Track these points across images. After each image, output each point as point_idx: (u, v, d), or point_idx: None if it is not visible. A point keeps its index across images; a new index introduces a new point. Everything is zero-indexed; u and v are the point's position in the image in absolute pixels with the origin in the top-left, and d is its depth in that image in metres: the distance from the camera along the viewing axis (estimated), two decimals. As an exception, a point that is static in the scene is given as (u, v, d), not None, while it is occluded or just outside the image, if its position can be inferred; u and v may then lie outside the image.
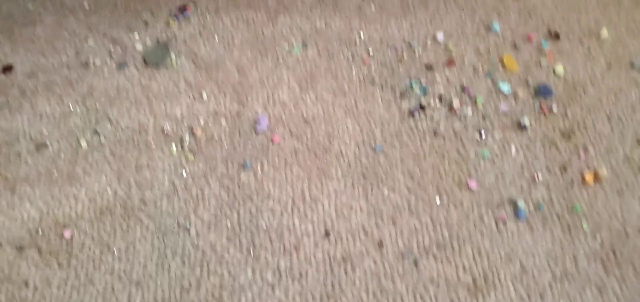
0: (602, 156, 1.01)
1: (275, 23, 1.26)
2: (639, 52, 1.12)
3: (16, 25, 1.30)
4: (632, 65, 1.11)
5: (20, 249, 0.98)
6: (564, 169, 1.00)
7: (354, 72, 1.15)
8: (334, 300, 0.90)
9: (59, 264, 0.96)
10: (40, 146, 1.11)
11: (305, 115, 1.10)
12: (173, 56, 1.21)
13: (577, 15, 1.21)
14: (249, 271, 0.93)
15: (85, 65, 1.22)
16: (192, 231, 0.98)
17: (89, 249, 0.97)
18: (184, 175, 1.04)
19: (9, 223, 1.01)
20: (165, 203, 1.01)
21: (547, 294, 0.89)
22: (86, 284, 0.94)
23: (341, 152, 1.05)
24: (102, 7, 1.33)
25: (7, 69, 1.23)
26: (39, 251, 0.97)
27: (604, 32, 1.16)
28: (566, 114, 1.06)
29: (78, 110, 1.15)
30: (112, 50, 1.24)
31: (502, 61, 1.13)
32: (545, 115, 1.06)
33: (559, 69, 1.11)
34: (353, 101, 1.11)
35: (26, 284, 0.94)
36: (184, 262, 0.95)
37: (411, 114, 1.08)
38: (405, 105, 1.09)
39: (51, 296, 0.93)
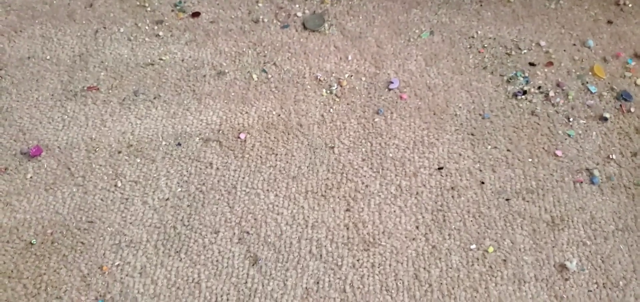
0: (668, 151, 1.26)
1: (409, 13, 1.57)
2: None
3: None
4: (702, 88, 1.35)
5: (206, 140, 1.30)
6: (634, 154, 1.25)
7: (470, 59, 1.44)
8: (442, 214, 1.18)
9: (235, 156, 1.27)
10: (220, 73, 1.44)
11: (428, 83, 1.39)
12: (326, 25, 1.53)
13: (660, 44, 1.46)
14: (378, 183, 1.23)
15: (256, 21, 1.56)
16: (336, 150, 1.28)
17: (258, 149, 1.29)
18: (331, 111, 1.35)
19: (197, 122, 1.34)
20: (316, 128, 1.32)
21: (609, 238, 1.14)
22: (255, 172, 1.25)
23: (456, 114, 1.34)
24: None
25: (196, 14, 1.58)
26: (220, 144, 1.29)
27: (682, 60, 1.41)
28: (641, 116, 1.32)
29: (250, 53, 1.48)
30: (278, 13, 1.58)
31: (592, 69, 1.40)
32: (623, 114, 1.32)
33: (640, 81, 1.37)
34: (468, 79, 1.40)
35: (211, 164, 1.26)
36: (329, 170, 1.25)
37: (515, 95, 1.35)
38: (511, 89, 1.37)
39: (229, 176, 1.24)
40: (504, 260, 1.12)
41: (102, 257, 1.14)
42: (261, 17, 1.57)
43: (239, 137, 1.30)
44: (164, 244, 1.15)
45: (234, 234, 1.16)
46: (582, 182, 1.22)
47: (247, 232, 1.16)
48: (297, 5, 1.59)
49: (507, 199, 1.19)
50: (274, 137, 1.30)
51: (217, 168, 1.25)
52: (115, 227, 1.18)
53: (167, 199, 1.21)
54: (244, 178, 1.24)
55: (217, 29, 1.54)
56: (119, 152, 1.29)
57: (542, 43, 1.47)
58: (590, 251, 1.13)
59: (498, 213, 1.18)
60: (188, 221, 1.18)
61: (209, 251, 1.14)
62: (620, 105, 1.33)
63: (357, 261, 1.12)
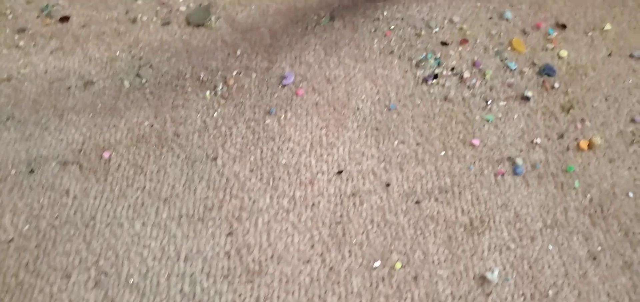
0: (598, 128, 1.10)
1: (307, -2, 1.38)
2: (639, 45, 1.21)
3: (74, -18, 1.44)
4: (631, 55, 1.20)
5: (63, 164, 1.09)
6: (561, 136, 1.09)
7: (375, 43, 1.26)
8: (342, 227, 0.99)
9: (97, 179, 1.07)
10: (87, 84, 1.23)
11: (327, 75, 1.21)
12: (213, 18, 1.34)
13: (583, 11, 1.30)
14: (268, 197, 1.03)
15: (134, 21, 1.35)
16: (219, 162, 1.08)
17: (124, 169, 1.08)
18: (215, 115, 1.15)
19: (56, 143, 1.12)
20: (196, 137, 1.12)
21: (537, 238, 0.97)
22: (119, 197, 1.04)
23: (358, 107, 1.15)
24: (151, -26, 1.47)
25: (64, 19, 1.36)
26: (80, 167, 1.08)
27: (608, 26, 1.26)
28: (567, 92, 1.15)
29: (123, 57, 1.27)
30: (159, 10, 1.37)
31: (511, 43, 1.23)
32: (547, 90, 1.16)
33: (563, 53, 1.20)
34: (372, 67, 1.21)
35: (67, 192, 1.05)
36: (209, 186, 1.05)
37: (425, 80, 1.18)
38: (420, 73, 1.20)
39: (88, 205, 1.03)
40: (415, 277, 0.94)
41: None
42: (140, 15, 1.36)
43: (102, 157, 1.09)
44: (1, 298, 0.94)
45: (90, 276, 0.95)
46: (503, 173, 1.05)
47: (105, 274, 0.95)
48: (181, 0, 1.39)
49: (417, 202, 1.02)
50: (145, 153, 1.10)
51: (75, 196, 1.04)
52: (-51, 281, 0.96)
53: (11, 241, 1.00)
54: (105, 206, 1.03)
55: (88, 34, 1.33)
56: (-39, 187, 1.07)
57: (456, 19, 1.30)
58: (515, 256, 0.96)
59: (407, 220, 1.00)
60: (34, 266, 0.96)
61: (58, 301, 0.93)
62: (543, 82, 1.16)
63: (239, 296, 0.92)
